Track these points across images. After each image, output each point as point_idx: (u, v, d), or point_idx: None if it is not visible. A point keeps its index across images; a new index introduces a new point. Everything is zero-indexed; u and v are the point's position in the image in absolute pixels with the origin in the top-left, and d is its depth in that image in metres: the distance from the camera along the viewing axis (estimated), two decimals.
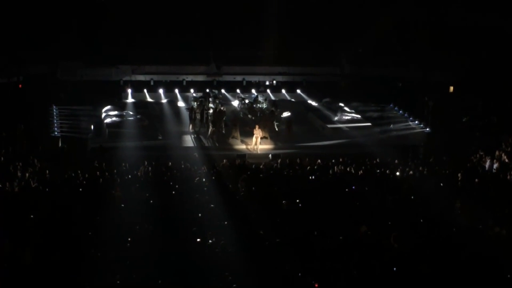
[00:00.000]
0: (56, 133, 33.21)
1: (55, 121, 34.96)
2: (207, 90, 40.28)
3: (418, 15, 44.08)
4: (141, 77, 43.63)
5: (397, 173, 27.30)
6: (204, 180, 25.04)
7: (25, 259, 15.57)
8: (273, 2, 43.41)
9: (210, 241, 17.31)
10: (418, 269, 15.77)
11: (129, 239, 17.39)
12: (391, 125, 37.82)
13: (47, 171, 25.45)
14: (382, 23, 41.21)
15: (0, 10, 38.10)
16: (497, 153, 29.91)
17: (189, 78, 44.01)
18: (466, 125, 37.09)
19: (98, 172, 25.52)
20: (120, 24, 41.50)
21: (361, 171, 27.24)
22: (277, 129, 35.91)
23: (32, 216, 19.33)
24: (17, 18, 38.56)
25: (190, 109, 36.56)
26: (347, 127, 37.42)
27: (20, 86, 39.54)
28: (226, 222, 19.39)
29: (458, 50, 41.10)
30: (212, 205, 21.29)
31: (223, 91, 42.63)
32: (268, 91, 44.27)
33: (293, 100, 44.31)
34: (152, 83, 43.46)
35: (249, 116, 37.91)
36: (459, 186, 25.16)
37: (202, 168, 27.10)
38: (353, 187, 24.23)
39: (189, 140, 34.36)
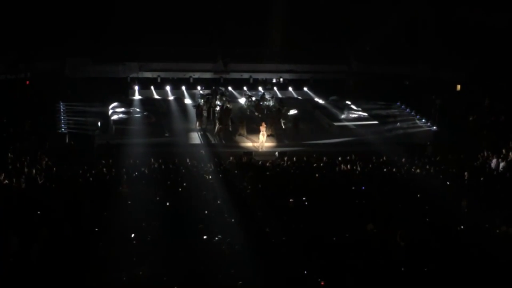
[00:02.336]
0: (63, 129, 33.30)
1: (62, 117, 35.05)
2: (214, 88, 40.34)
3: (426, 13, 43.95)
4: (148, 74, 43.65)
5: (404, 171, 27.28)
6: (210, 177, 25.08)
7: (32, 255, 15.62)
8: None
9: (216, 238, 17.32)
10: (424, 267, 15.76)
11: (136, 236, 17.42)
12: (398, 123, 37.78)
13: (54, 168, 25.52)
14: (390, 20, 41.18)
15: (8, 7, 38.12)
16: (504, 151, 29.83)
17: (196, 75, 43.96)
18: (473, 123, 36.98)
19: (105, 169, 25.60)
20: (128, 21, 41.49)
21: (367, 169, 27.25)
22: (283, 127, 35.95)
23: (39, 212, 19.38)
24: (25, 14, 38.58)
25: (197, 106, 36.68)
26: (354, 125, 37.46)
27: (27, 82, 39.54)
28: (232, 220, 19.42)
29: (466, 49, 40.94)
30: (218, 202, 21.31)
31: (230, 88, 42.71)
32: (275, 88, 44.27)
33: (300, 97, 44.29)
34: (159, 80, 43.47)
35: (256, 113, 37.98)
36: (465, 185, 25.11)
37: (208, 165, 27.13)
38: (362, 188, 24.13)
39: (195, 137, 34.43)
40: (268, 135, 33.45)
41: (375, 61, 44.25)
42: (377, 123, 37.65)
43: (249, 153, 31.06)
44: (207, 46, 44.22)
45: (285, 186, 23.81)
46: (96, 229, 17.87)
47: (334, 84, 44.87)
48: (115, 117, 36.30)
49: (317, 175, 26.34)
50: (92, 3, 41.92)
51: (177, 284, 14.74)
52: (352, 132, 36.33)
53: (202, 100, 37.45)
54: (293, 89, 45.09)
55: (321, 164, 27.95)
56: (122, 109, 37.62)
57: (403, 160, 28.77)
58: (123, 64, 42.82)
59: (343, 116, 38.94)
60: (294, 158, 29.15)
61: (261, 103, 38.49)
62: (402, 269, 15.70)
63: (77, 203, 20.18)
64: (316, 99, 43.46)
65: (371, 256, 16.18)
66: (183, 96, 42.13)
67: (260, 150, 32.31)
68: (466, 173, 26.24)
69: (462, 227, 19.39)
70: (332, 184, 24.66)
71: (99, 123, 34.67)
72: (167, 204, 20.98)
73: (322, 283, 15.05)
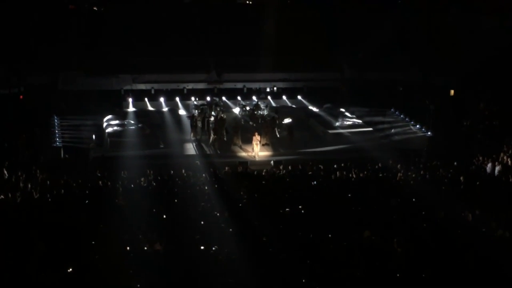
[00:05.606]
0: (57, 143, 33.19)
1: (56, 131, 34.94)
2: (208, 98, 40.32)
3: (418, 18, 44.08)
4: (141, 86, 43.62)
5: (399, 177, 27.29)
6: (206, 187, 25.05)
7: (28, 269, 15.55)
8: (273, 8, 43.51)
9: (213, 248, 17.29)
10: (421, 273, 15.75)
11: (132, 248, 17.38)
12: (393, 130, 37.79)
13: (49, 182, 25.45)
14: (382, 27, 41.29)
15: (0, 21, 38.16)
16: (501, 155, 29.90)
17: (190, 86, 43.99)
18: (468, 128, 37.05)
19: (100, 182, 25.53)
20: (120, 33, 41.58)
21: (363, 176, 27.26)
22: (278, 136, 35.94)
23: (34, 226, 19.31)
24: (16, 29, 38.60)
25: (191, 117, 36.62)
26: (348, 132, 37.43)
27: (21, 97, 39.55)
28: (229, 230, 19.39)
29: (459, 53, 41.05)
30: (215, 213, 21.27)
31: (224, 98, 42.71)
32: (269, 97, 44.32)
33: (294, 106, 44.34)
34: (153, 91, 43.45)
35: (250, 123, 37.97)
36: (461, 190, 25.12)
37: (204, 175, 27.11)
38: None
39: (190, 148, 34.38)
40: (263, 144, 33.45)
41: (367, 68, 44.36)
42: (372, 130, 37.66)
43: (244, 162, 31.05)
44: (200, 56, 44.22)
45: (281, 195, 23.80)
46: (93, 242, 17.82)
47: (328, 91, 44.92)
48: (109, 129, 36.21)
49: (313, 183, 26.34)
50: (84, 16, 42.01)
51: None
52: (347, 139, 36.32)
53: (197, 111, 37.43)
54: (287, 98, 45.15)
55: (317, 172, 27.95)
56: (117, 122, 37.55)
57: (399, 166, 28.78)
58: (116, 76, 42.80)
59: (337, 124, 38.93)
60: (290, 167, 29.14)
61: (255, 112, 38.50)
62: (399, 275, 15.67)
63: (73, 216, 20.12)
64: (310, 107, 43.51)
65: (368, 263, 16.16)
66: (177, 107, 42.11)
67: (255, 159, 32.28)
68: (462, 178, 26.28)
69: (458, 231, 19.38)
70: (328, 191, 24.66)
71: (93, 136, 34.61)
72: (164, 215, 20.94)
73: None
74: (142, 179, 26.10)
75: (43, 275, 15.26)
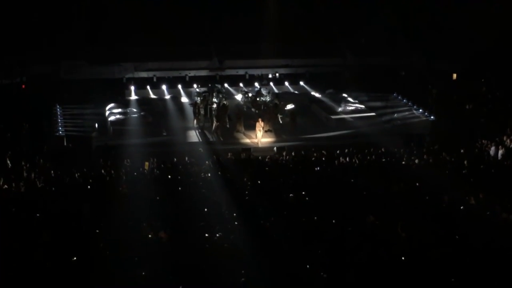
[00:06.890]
0: (60, 132, 33.20)
1: (59, 120, 34.94)
2: (210, 85, 40.28)
3: (420, 3, 43.87)
4: (144, 74, 43.50)
5: (403, 162, 27.29)
6: (209, 174, 25.06)
7: (34, 259, 15.59)
8: None
9: (217, 235, 17.30)
10: (425, 257, 15.75)
11: (137, 236, 17.40)
12: (395, 114, 37.76)
13: (53, 171, 25.48)
14: (384, 12, 41.11)
15: (2, 11, 38.04)
16: (505, 138, 29.86)
17: (192, 73, 43.86)
18: (471, 112, 36.97)
19: (103, 170, 25.55)
20: (122, 21, 41.41)
21: (366, 161, 27.25)
22: (281, 122, 35.93)
23: (39, 216, 19.35)
24: (18, 18, 38.51)
25: (194, 104, 36.58)
26: (351, 117, 37.45)
27: (23, 86, 39.51)
28: (233, 216, 19.40)
29: (461, 37, 40.87)
30: (218, 200, 21.28)
31: (226, 85, 42.63)
32: (271, 84, 44.25)
33: (296, 92, 44.27)
34: (155, 79, 43.34)
35: (253, 109, 37.93)
36: (465, 174, 25.10)
37: (207, 162, 27.11)
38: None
39: (193, 136, 34.40)
40: (266, 131, 33.45)
41: (370, 53, 44.21)
42: (375, 115, 37.63)
43: (247, 149, 31.08)
44: (201, 44, 44.11)
45: (284, 181, 23.81)
46: (97, 231, 17.85)
47: (330, 77, 44.82)
48: (112, 118, 36.24)
49: (316, 168, 26.35)
50: (85, 5, 41.87)
51: (181, 282, 14.72)
52: (349, 124, 36.33)
53: (199, 98, 37.37)
54: (289, 84, 45.06)
55: (320, 158, 27.95)
56: (119, 110, 37.59)
57: (402, 151, 28.77)
58: (118, 64, 42.71)
59: (340, 109, 38.94)
60: (293, 153, 29.16)
61: (257, 98, 38.43)
62: (404, 260, 15.69)
63: (77, 205, 20.15)
64: (313, 93, 43.45)
65: (373, 248, 16.17)
66: (179, 95, 42.05)
67: (258, 146, 32.29)
68: (465, 162, 26.26)
69: (462, 215, 19.38)
70: (331, 177, 24.66)
71: (96, 125, 34.63)
72: (167, 203, 20.96)
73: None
74: (145, 166, 26.18)
75: (48, 264, 15.30)
